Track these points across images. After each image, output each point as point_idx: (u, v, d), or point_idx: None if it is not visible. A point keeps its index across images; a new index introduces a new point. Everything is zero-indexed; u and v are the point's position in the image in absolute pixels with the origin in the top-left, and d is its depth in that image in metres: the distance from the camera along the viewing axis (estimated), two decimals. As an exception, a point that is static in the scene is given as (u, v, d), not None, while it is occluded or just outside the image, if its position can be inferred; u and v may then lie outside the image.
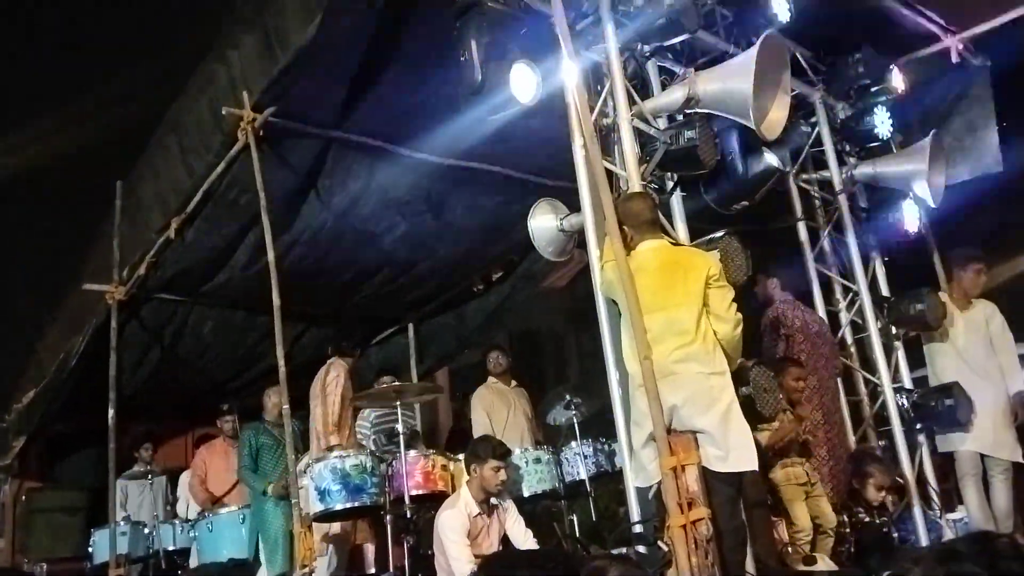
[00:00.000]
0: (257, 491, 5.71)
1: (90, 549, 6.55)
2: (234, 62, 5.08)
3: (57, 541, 7.56)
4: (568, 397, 6.10)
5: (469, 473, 4.70)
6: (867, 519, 5.13)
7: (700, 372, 3.68)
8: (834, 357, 5.60)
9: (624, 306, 3.84)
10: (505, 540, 4.83)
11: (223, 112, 4.95)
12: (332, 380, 5.47)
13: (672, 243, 4.11)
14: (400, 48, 4.86)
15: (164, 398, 7.60)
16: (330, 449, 5.21)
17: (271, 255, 4.91)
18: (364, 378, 7.70)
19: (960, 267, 5.67)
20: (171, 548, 6.42)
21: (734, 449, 3.66)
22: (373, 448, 6.19)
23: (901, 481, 5.60)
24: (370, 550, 5.70)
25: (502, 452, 4.76)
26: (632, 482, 4.00)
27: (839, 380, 5.75)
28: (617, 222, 3.95)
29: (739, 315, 3.82)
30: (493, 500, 4.75)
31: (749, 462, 3.70)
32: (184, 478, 7.07)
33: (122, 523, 6.44)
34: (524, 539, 4.79)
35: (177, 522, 6.60)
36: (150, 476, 6.77)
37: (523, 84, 4.26)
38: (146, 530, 6.49)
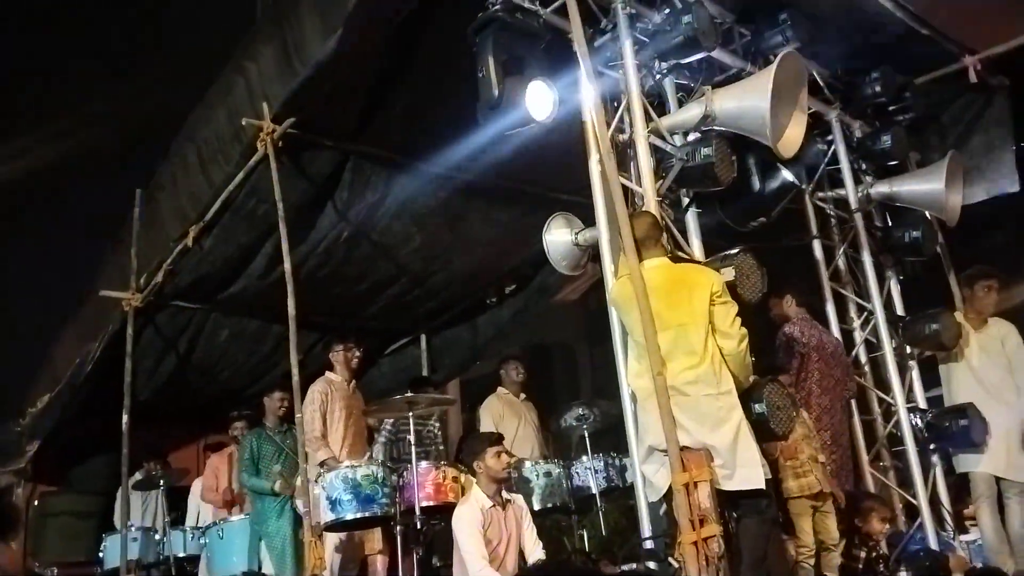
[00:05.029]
0: (263, 492, 5.70)
1: (101, 554, 6.58)
2: (253, 74, 5.14)
3: (69, 545, 7.60)
4: (580, 411, 6.09)
5: (475, 472, 4.71)
6: (881, 550, 5.07)
7: (709, 394, 3.69)
8: (847, 379, 5.55)
9: (631, 324, 3.85)
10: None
11: (243, 123, 5.02)
12: (308, 399, 5.40)
13: (672, 260, 4.09)
14: (419, 62, 4.90)
15: (177, 405, 7.64)
16: (321, 464, 5.20)
17: (287, 264, 4.96)
18: (376, 386, 7.73)
19: (969, 285, 5.65)
20: (182, 555, 6.44)
21: (741, 468, 3.66)
22: (388, 455, 6.18)
23: (913, 501, 5.57)
24: (381, 561, 5.69)
25: (496, 438, 4.83)
26: (642, 496, 4.00)
27: (852, 401, 5.71)
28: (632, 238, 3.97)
29: (743, 330, 3.81)
30: (505, 494, 4.75)
31: (756, 481, 3.69)
32: (195, 488, 7.08)
33: (133, 529, 6.47)
34: (533, 548, 4.79)
35: (188, 528, 6.62)
36: (161, 483, 6.77)
37: (539, 102, 4.28)
38: (157, 536, 6.51)
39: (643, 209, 4.27)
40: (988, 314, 5.54)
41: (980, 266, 5.70)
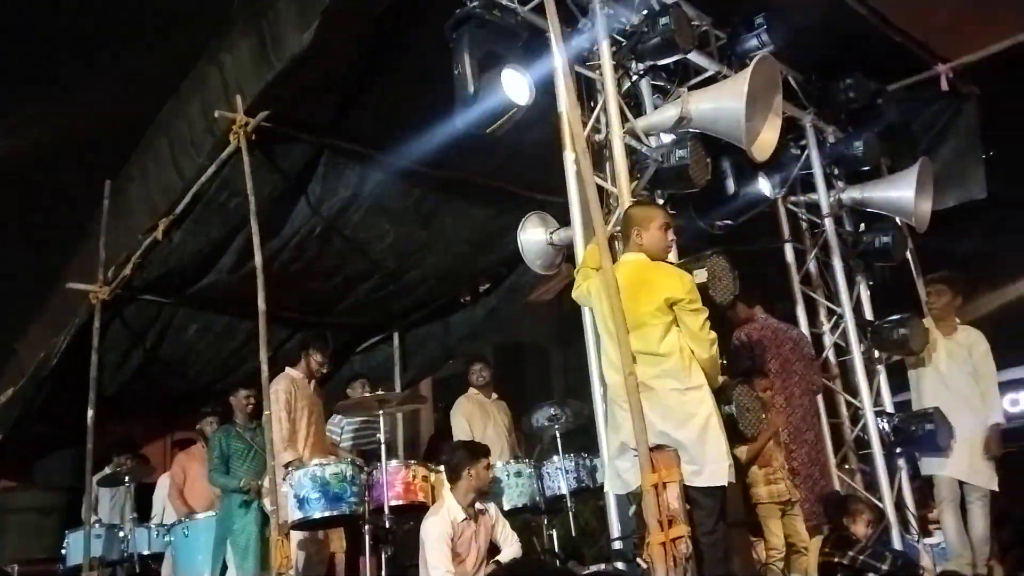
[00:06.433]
0: (229, 489, 5.63)
1: (64, 551, 6.47)
2: (228, 66, 5.09)
3: (30, 542, 7.47)
4: (552, 411, 6.09)
5: (460, 478, 4.69)
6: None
7: (675, 388, 3.66)
8: (810, 373, 5.55)
9: (600, 316, 3.85)
10: (492, 549, 4.83)
11: (215, 115, 4.96)
12: (273, 399, 5.21)
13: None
14: (395, 58, 4.88)
15: (144, 400, 7.54)
16: (287, 466, 5.11)
17: (258, 259, 4.91)
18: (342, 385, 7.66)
19: (925, 289, 5.77)
20: (146, 552, 6.35)
21: (709, 463, 3.65)
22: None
23: (879, 504, 5.63)
24: (341, 560, 5.66)
25: (487, 448, 4.97)
26: (608, 488, 4.00)
27: (819, 398, 5.75)
28: (607, 236, 3.96)
29: (713, 335, 3.77)
30: (479, 504, 4.75)
31: (724, 477, 3.69)
32: (162, 482, 7.00)
33: (96, 526, 6.37)
34: (511, 541, 4.85)
35: (153, 526, 6.53)
36: (127, 479, 6.67)
37: (516, 86, 4.26)
38: (121, 533, 6.41)
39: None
40: (947, 318, 5.61)
41: (937, 272, 5.80)
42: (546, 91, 4.39)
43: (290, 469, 4.97)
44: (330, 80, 4.93)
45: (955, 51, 6.34)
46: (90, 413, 6.06)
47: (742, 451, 4.69)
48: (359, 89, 5.05)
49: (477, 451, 4.84)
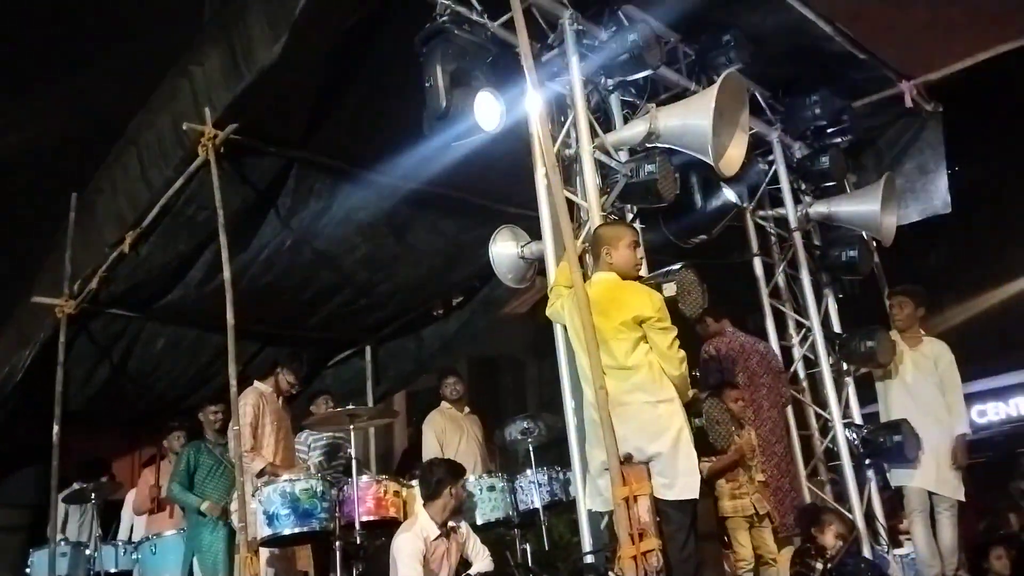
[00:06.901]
0: (190, 509, 5.58)
1: (28, 570, 6.34)
2: (198, 78, 5.06)
3: (-7, 561, 7.32)
4: (526, 424, 6.08)
5: (439, 496, 4.67)
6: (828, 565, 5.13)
7: (647, 401, 3.68)
8: (778, 386, 5.60)
9: (576, 333, 3.86)
10: (462, 564, 4.81)
11: (184, 127, 4.93)
12: (240, 412, 5.09)
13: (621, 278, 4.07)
14: (366, 71, 4.88)
15: (112, 416, 7.43)
16: (259, 475, 5.06)
17: (227, 273, 4.87)
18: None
19: (887, 302, 5.85)
20: (113, 570, 6.24)
21: (682, 476, 3.66)
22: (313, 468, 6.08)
23: (849, 515, 5.67)
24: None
25: (464, 468, 4.99)
26: (588, 505, 3.99)
27: (788, 410, 5.79)
28: (577, 252, 3.98)
29: (682, 353, 3.80)
30: (451, 522, 4.73)
31: (696, 490, 3.68)
32: (128, 499, 6.90)
33: (62, 544, 6.26)
34: (482, 556, 4.83)
35: (120, 544, 6.42)
36: (94, 496, 6.55)
37: (487, 112, 4.28)
38: (87, 552, 6.30)
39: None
40: (911, 330, 5.68)
41: (899, 285, 5.90)
42: (516, 105, 4.41)
43: (262, 480, 4.91)
44: (300, 93, 4.92)
45: (919, 69, 6.46)
46: (56, 429, 5.96)
47: (703, 467, 4.71)
48: (330, 102, 5.04)
49: (458, 471, 4.84)
